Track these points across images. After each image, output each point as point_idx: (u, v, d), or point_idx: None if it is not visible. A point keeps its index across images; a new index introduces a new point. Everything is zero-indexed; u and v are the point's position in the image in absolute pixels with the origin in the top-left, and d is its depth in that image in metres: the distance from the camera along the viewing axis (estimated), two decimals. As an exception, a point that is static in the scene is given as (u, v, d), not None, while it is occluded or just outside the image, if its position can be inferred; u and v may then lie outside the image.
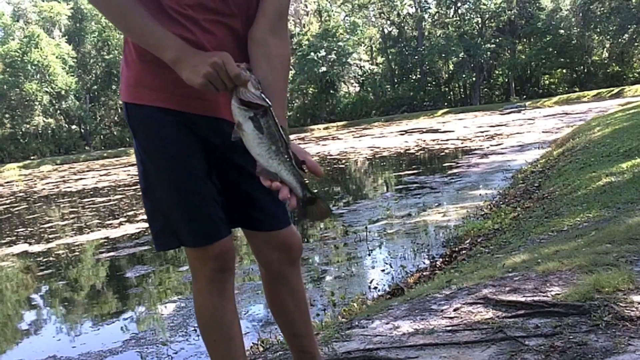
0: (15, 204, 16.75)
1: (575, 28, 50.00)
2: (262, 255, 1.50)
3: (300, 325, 1.58)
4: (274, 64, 1.27)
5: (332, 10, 60.64)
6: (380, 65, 61.77)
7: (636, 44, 49.44)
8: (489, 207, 6.98)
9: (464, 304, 2.27)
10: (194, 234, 1.34)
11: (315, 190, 1.40)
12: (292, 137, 1.23)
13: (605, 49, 51.81)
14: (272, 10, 1.28)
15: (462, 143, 18.51)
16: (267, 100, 1.16)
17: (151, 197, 1.38)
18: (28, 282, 6.85)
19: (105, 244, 8.29)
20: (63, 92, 52.15)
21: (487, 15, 55.97)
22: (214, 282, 1.39)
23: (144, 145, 1.35)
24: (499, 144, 16.08)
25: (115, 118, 58.22)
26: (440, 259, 4.94)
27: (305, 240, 6.92)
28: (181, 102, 1.30)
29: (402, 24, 59.25)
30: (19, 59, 50.79)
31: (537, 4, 53.90)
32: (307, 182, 1.21)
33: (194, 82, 1.16)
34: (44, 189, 21.67)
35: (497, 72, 57.84)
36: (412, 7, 58.59)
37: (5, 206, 16.34)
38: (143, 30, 1.17)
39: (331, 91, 56.29)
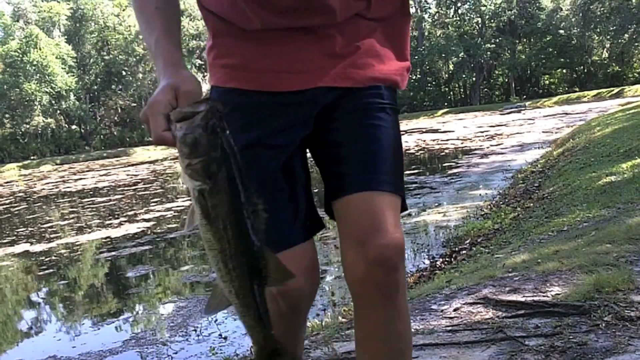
0: (15, 204, 16.75)
1: (575, 28, 50.01)
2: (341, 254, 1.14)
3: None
4: None
5: (332, 10, 60.64)
6: (380, 65, 61.81)
7: (636, 44, 49.45)
8: (489, 207, 6.98)
9: (464, 304, 2.27)
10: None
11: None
12: None
13: (605, 49, 51.81)
14: None
15: (462, 143, 18.51)
16: (210, 170, 0.77)
17: None
18: (28, 282, 6.85)
19: (105, 243, 8.28)
20: (63, 92, 52.14)
21: (487, 15, 55.97)
22: (285, 322, 1.08)
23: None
24: (499, 144, 16.07)
25: (115, 118, 58.23)
26: (440, 259, 4.93)
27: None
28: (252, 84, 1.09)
29: (402, 24, 59.30)
30: (19, 59, 50.80)
31: (537, 4, 53.91)
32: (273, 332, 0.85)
33: None
34: (43, 189, 21.67)
35: (497, 72, 57.85)
36: (412, 7, 58.59)
37: (5, 206, 16.33)
38: (146, 43, 1.02)
39: (331, 91, 56.30)
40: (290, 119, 1.09)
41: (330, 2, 1.01)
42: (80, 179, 24.94)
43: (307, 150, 1.19)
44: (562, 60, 53.29)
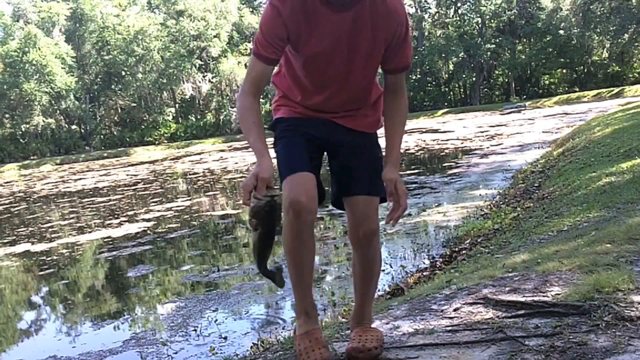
0: (15, 204, 16.75)
1: (575, 28, 49.98)
2: (351, 229, 1.92)
3: (362, 288, 1.98)
4: (393, 120, 1.85)
5: (332, 10, 60.59)
6: (380, 65, 61.75)
7: (636, 44, 49.44)
8: (489, 207, 6.98)
9: (464, 304, 2.27)
10: (284, 171, 1.83)
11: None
12: None
13: (605, 49, 51.79)
14: (392, 83, 1.84)
15: (462, 143, 18.51)
16: (256, 228, 1.74)
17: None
18: (28, 282, 6.85)
19: (105, 243, 8.29)
20: (63, 92, 52.13)
21: (487, 15, 55.97)
22: (293, 227, 1.77)
23: (276, 138, 1.95)
24: (499, 144, 16.08)
25: (115, 118, 58.22)
26: (440, 259, 4.94)
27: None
28: (305, 112, 1.93)
29: (402, 24, 59.24)
30: (19, 59, 50.81)
31: (537, 4, 53.91)
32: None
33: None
34: (43, 189, 21.67)
35: (497, 72, 57.85)
36: (412, 7, 58.58)
37: (5, 206, 16.34)
38: (247, 139, 1.75)
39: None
40: (320, 130, 1.92)
41: (338, 108, 1.89)
42: (80, 179, 24.95)
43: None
44: (562, 60, 53.29)
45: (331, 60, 1.75)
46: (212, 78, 56.51)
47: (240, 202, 2.00)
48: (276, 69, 1.91)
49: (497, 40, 54.36)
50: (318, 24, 1.69)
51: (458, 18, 57.84)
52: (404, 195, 1.76)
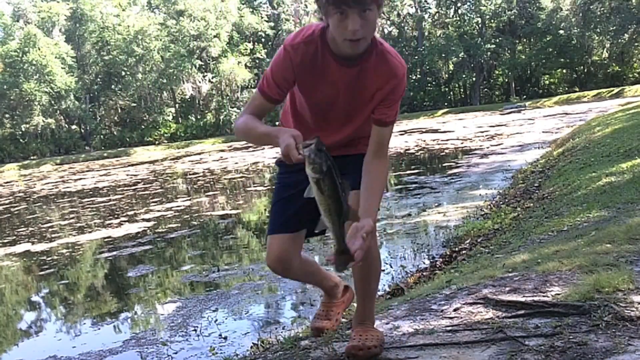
0: (15, 204, 16.75)
1: (575, 28, 49.97)
2: None
3: (362, 288, 2.02)
4: (371, 180, 1.85)
5: (332, 10, 60.51)
6: (380, 65, 61.69)
7: (636, 44, 49.44)
8: (489, 207, 6.98)
9: (464, 304, 2.27)
10: (269, 227, 2.10)
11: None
12: None
13: (605, 49, 51.79)
14: (375, 141, 1.88)
15: (462, 143, 18.51)
16: (322, 169, 1.59)
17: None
18: (28, 282, 6.85)
19: (105, 243, 8.29)
20: (62, 92, 52.12)
21: (487, 15, 55.96)
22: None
23: (276, 182, 2.19)
24: (499, 144, 16.08)
25: (115, 118, 58.22)
26: (440, 259, 4.93)
27: (306, 240, 6.92)
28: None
29: (402, 24, 59.24)
30: (19, 59, 50.79)
31: (537, 4, 53.90)
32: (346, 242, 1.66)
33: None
34: (43, 189, 21.67)
35: (497, 72, 57.85)
36: (412, 7, 58.57)
37: (5, 206, 16.34)
38: (262, 139, 1.84)
39: (331, 91, 56.25)
40: None
41: (337, 144, 1.97)
42: (80, 179, 24.95)
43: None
44: (562, 60, 53.28)
45: (334, 104, 1.89)
46: (212, 78, 56.50)
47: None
48: (283, 107, 2.10)
49: (497, 40, 54.35)
50: (325, 75, 1.82)
51: (458, 18, 57.84)
52: (362, 249, 1.67)
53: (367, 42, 1.74)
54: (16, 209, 15.38)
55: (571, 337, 1.79)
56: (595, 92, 43.96)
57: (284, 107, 2.09)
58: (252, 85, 56.76)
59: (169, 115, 58.25)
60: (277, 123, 2.16)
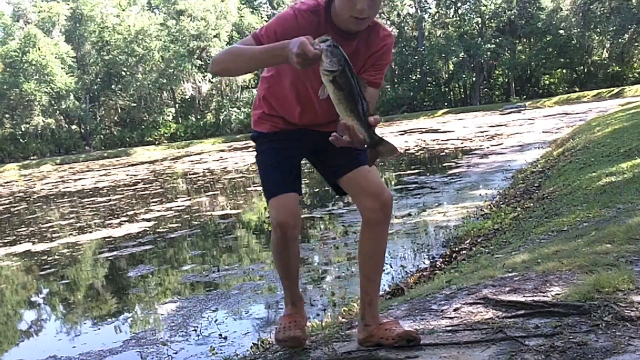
0: (15, 204, 16.75)
1: (575, 28, 49.93)
2: (359, 204, 2.03)
3: (370, 270, 2.08)
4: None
5: (332, 10, 60.55)
6: (380, 65, 61.67)
7: (636, 44, 49.41)
8: (489, 207, 6.98)
9: (464, 304, 2.27)
10: (268, 193, 2.04)
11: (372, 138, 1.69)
12: None
13: (605, 49, 51.73)
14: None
15: (462, 143, 18.51)
16: (340, 62, 1.56)
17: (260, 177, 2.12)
18: (28, 282, 6.85)
19: (106, 243, 8.29)
20: (62, 92, 52.09)
21: (487, 15, 55.94)
22: (280, 242, 2.03)
23: (259, 152, 2.14)
24: (499, 144, 16.08)
25: (115, 118, 58.18)
26: (440, 259, 4.94)
27: (306, 240, 6.93)
28: (285, 126, 2.09)
29: (402, 24, 59.20)
30: (19, 59, 50.77)
31: (537, 4, 53.86)
32: (374, 129, 1.63)
33: (297, 67, 1.64)
34: (43, 189, 21.67)
35: (497, 72, 57.81)
36: (412, 7, 58.53)
37: (5, 206, 16.34)
38: (258, 56, 1.75)
39: (331, 91, 56.23)
40: (300, 141, 2.11)
41: (319, 122, 2.06)
42: (80, 179, 24.94)
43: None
44: (562, 60, 53.22)
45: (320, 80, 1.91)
46: (212, 78, 56.49)
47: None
48: (263, 77, 2.10)
49: (497, 40, 54.31)
50: None
51: (458, 18, 57.80)
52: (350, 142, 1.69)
53: (369, 22, 1.83)
54: (16, 209, 15.38)
55: (571, 337, 1.79)
56: (595, 92, 43.93)
57: (259, 91, 2.11)
58: (252, 85, 56.71)
59: (169, 115, 58.24)
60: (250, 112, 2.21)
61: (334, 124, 1.99)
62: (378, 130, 1.97)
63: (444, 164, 13.43)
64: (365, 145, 1.66)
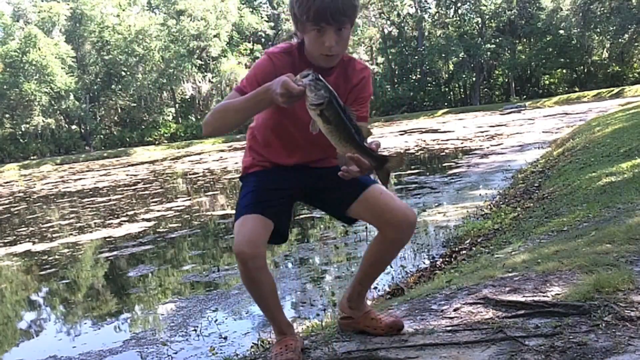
0: (15, 204, 16.75)
1: (575, 28, 49.92)
2: (380, 229, 1.98)
3: (372, 270, 2.10)
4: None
5: (332, 10, 60.53)
6: (381, 66, 61.75)
7: (636, 44, 49.41)
8: (489, 207, 6.98)
9: (464, 304, 2.27)
10: (236, 215, 1.92)
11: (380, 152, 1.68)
12: None
13: (605, 49, 51.75)
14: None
15: (462, 143, 18.51)
16: (325, 94, 1.56)
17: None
18: (28, 282, 6.85)
19: (106, 243, 8.29)
20: (62, 92, 52.09)
21: (487, 15, 55.94)
22: (243, 273, 1.89)
23: (244, 184, 2.06)
24: (499, 144, 16.08)
25: (115, 118, 58.18)
26: (440, 259, 4.94)
27: (305, 240, 6.93)
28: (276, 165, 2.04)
29: (402, 24, 59.23)
30: (19, 59, 50.77)
31: (537, 4, 53.87)
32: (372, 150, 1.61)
33: (283, 106, 1.66)
34: (43, 189, 21.67)
35: (497, 72, 57.82)
36: (412, 7, 58.54)
37: (5, 206, 16.34)
38: (244, 106, 1.77)
39: (331, 91, 56.25)
40: (291, 179, 2.03)
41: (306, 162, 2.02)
42: (80, 179, 24.94)
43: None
44: (562, 60, 53.24)
45: (303, 120, 1.81)
46: (212, 78, 56.49)
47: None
48: (249, 129, 2.10)
49: (497, 40, 54.32)
50: None
51: (458, 18, 57.81)
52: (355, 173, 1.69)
53: (339, 57, 1.90)
54: (16, 209, 15.38)
55: (571, 337, 1.79)
56: (595, 92, 43.93)
57: (247, 143, 2.11)
58: (252, 85, 56.66)
59: (169, 115, 58.23)
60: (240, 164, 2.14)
61: (327, 161, 2.01)
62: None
63: (444, 164, 13.43)
64: (374, 169, 1.65)
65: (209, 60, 56.55)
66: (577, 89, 51.18)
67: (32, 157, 50.44)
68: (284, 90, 1.60)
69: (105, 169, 30.14)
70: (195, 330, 4.23)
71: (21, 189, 23.08)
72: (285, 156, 2.01)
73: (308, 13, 1.77)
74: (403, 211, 1.91)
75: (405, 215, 1.91)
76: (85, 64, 56.71)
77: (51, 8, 55.14)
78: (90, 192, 17.50)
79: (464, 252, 4.81)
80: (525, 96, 52.68)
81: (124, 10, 58.81)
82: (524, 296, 2.23)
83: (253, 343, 3.33)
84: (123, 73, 55.89)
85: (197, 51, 55.73)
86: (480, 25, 57.03)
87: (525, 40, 57.03)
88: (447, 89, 59.37)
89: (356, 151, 1.58)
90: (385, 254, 2.03)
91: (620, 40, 48.53)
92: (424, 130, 29.16)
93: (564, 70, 55.93)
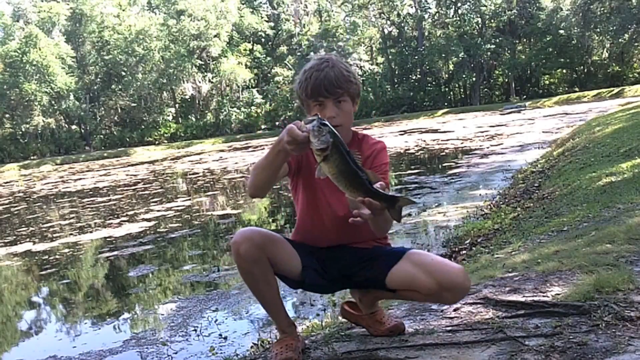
0: (15, 204, 16.75)
1: (575, 28, 49.92)
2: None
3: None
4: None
5: (332, 10, 60.61)
6: (380, 66, 61.73)
7: (636, 44, 49.40)
8: (489, 207, 6.98)
9: (464, 304, 2.27)
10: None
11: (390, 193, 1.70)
12: None
13: (605, 49, 51.74)
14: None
15: (462, 143, 18.51)
16: (329, 138, 1.56)
17: None
18: (28, 282, 6.85)
19: (106, 243, 8.29)
20: (63, 92, 52.08)
21: (487, 16, 55.93)
22: (238, 266, 2.01)
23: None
24: (499, 144, 16.08)
25: (115, 118, 58.15)
26: (440, 259, 4.92)
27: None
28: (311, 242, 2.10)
29: (402, 24, 59.23)
30: (19, 59, 50.76)
31: (537, 4, 53.86)
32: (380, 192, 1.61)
33: (293, 153, 1.69)
34: (43, 189, 21.67)
35: (497, 72, 57.80)
36: (412, 7, 58.53)
37: (5, 206, 16.34)
38: (266, 162, 1.80)
39: (331, 91, 56.15)
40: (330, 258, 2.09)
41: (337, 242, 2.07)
42: (80, 179, 24.94)
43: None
44: (562, 60, 53.22)
45: (328, 194, 1.98)
46: (212, 78, 56.49)
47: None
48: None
49: (497, 40, 54.30)
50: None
51: (458, 18, 57.78)
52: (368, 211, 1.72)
53: (346, 130, 1.97)
54: (16, 209, 15.38)
55: (571, 337, 1.80)
56: (595, 92, 43.92)
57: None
58: (252, 85, 56.76)
59: (169, 115, 58.22)
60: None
61: (360, 243, 2.04)
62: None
63: (444, 164, 13.43)
64: (386, 209, 1.65)
65: (209, 60, 56.54)
66: (577, 89, 51.16)
67: (32, 157, 50.43)
68: (289, 138, 1.63)
69: (105, 169, 30.14)
70: (195, 330, 4.23)
71: (21, 189, 23.08)
72: (318, 240, 2.08)
73: (306, 91, 1.94)
74: (452, 278, 1.85)
75: (454, 281, 1.86)
76: (85, 64, 56.70)
77: (51, 8, 55.13)
78: (90, 192, 17.50)
79: (464, 252, 4.81)
80: (525, 96, 52.67)
81: (124, 10, 58.79)
82: (524, 296, 2.23)
83: (253, 343, 3.33)
84: (123, 73, 55.87)
85: (197, 51, 55.71)
86: (480, 25, 57.02)
87: (525, 40, 57.02)
88: (447, 89, 59.35)
89: (366, 195, 1.59)
90: (420, 300, 2.03)
91: (620, 40, 48.51)
92: (424, 130, 29.15)
93: (564, 70, 55.92)
